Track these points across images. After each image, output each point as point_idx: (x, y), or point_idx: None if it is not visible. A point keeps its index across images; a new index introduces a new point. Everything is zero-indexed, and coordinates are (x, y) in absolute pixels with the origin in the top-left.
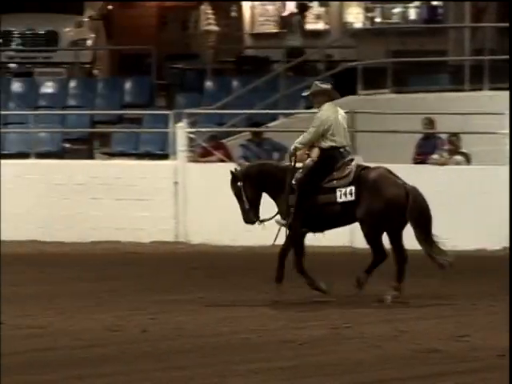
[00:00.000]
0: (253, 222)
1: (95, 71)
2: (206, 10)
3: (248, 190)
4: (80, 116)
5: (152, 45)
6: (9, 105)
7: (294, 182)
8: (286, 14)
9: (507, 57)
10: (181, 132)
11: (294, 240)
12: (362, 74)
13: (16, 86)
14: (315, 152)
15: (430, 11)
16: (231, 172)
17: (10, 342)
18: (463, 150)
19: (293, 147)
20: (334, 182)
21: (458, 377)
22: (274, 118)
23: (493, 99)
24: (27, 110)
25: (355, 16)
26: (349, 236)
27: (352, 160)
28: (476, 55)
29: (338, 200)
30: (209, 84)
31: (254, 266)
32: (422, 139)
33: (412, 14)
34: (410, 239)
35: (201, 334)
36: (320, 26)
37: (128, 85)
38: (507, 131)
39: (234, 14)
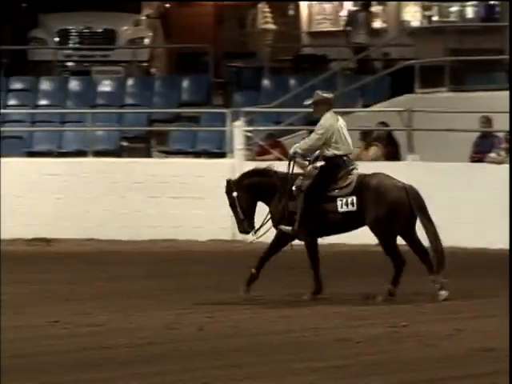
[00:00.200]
0: (247, 232)
1: (153, 69)
2: (264, 8)
3: (243, 200)
4: (137, 114)
5: (209, 43)
6: (66, 103)
7: (294, 188)
8: (350, 11)
9: None
10: (238, 130)
11: (306, 245)
12: (419, 72)
13: (74, 85)
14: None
15: (487, 10)
16: (226, 181)
17: (68, 340)
18: None
19: (292, 151)
20: (336, 191)
21: None
22: None
23: None
24: (85, 109)
25: (413, 14)
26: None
27: (354, 169)
28: None
29: (339, 210)
30: (266, 82)
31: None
32: (479, 138)
33: (469, 12)
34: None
35: (257, 332)
36: (378, 24)
37: (185, 83)
38: None
39: (291, 12)
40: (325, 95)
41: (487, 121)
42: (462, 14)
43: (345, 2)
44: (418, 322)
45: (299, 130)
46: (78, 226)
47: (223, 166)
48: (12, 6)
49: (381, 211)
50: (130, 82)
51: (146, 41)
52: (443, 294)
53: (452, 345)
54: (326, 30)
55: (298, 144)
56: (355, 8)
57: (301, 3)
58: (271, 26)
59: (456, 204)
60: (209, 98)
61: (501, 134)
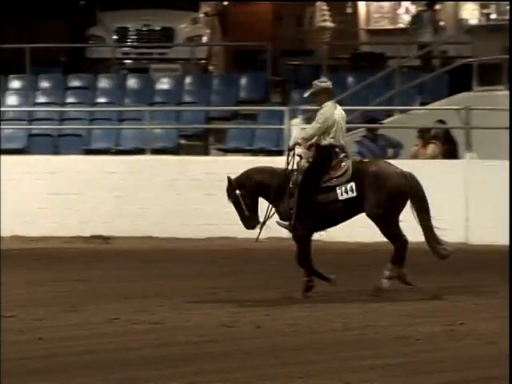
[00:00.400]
0: (254, 227)
1: (210, 67)
2: (322, 6)
3: (246, 197)
4: (195, 112)
5: (267, 41)
6: (125, 101)
7: (291, 185)
8: (416, 10)
9: None
10: (295, 128)
11: (300, 241)
12: (477, 70)
13: (132, 83)
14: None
15: None
16: (228, 180)
17: (127, 338)
18: None
19: (293, 142)
20: (333, 180)
21: None
22: (389, 114)
23: None
24: (143, 107)
25: (471, 12)
26: (463, 232)
27: (345, 157)
28: None
29: (340, 198)
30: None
31: (368, 262)
32: None
33: None
34: None
35: (315, 330)
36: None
37: (243, 81)
38: None
39: (349, 10)
40: (323, 85)
41: None
42: None
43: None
44: (476, 320)
45: (357, 128)
46: (135, 223)
47: (281, 164)
48: (70, 3)
49: (380, 197)
50: (187, 79)
51: (204, 39)
52: (385, 282)
53: None
54: (383, 27)
55: (297, 134)
56: (419, 7)
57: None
58: (329, 24)
59: None
60: (266, 96)
61: None
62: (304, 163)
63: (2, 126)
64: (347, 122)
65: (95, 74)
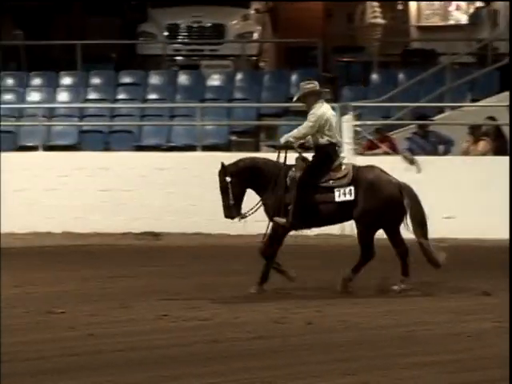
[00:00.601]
0: (233, 218)
1: (261, 64)
2: (372, 2)
3: (235, 186)
4: (246, 109)
5: (318, 37)
6: (176, 97)
7: (288, 179)
8: (475, 7)
9: None
10: (347, 125)
11: (278, 235)
12: None
13: (183, 79)
14: None
15: None
16: (222, 165)
17: (177, 334)
18: None
19: (284, 140)
20: (331, 181)
21: None
22: (440, 110)
23: None
24: (194, 103)
25: None
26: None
27: (343, 159)
28: None
29: (337, 199)
30: (375, 77)
31: (419, 259)
32: None
33: None
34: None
35: (366, 326)
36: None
37: (294, 77)
38: None
39: (399, 6)
40: (309, 86)
41: None
42: None
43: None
44: None
45: (408, 125)
46: (186, 220)
47: None
48: (122, 0)
49: (372, 205)
50: (238, 76)
51: (255, 35)
52: (398, 288)
53: None
54: (434, 24)
55: (289, 133)
56: (478, 4)
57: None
58: (380, 21)
59: None
60: None
61: None
62: (301, 161)
63: (54, 123)
64: (398, 119)
65: (146, 70)
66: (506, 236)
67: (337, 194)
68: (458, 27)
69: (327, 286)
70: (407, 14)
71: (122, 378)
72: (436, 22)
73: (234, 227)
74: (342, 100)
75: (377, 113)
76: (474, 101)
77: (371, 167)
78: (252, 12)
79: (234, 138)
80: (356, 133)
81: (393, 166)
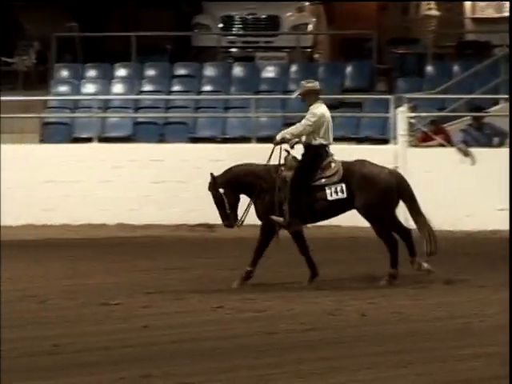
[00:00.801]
0: (232, 226)
1: (316, 56)
2: None
3: (229, 196)
4: (301, 100)
5: (373, 29)
6: (230, 89)
7: (278, 180)
8: None
9: None
10: (401, 116)
11: (295, 236)
12: None
13: (237, 71)
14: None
15: None
16: (212, 177)
17: (232, 326)
18: None
19: (279, 136)
20: (323, 180)
21: None
22: (495, 102)
23: None
24: (248, 95)
25: None
26: None
27: (333, 157)
28: None
29: (329, 198)
30: (429, 68)
31: (472, 251)
32: None
33: None
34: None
35: (420, 318)
36: None
37: (348, 69)
38: None
39: None
40: (310, 85)
41: None
42: None
43: None
44: None
45: (463, 116)
46: (241, 211)
47: (386, 152)
48: None
49: (372, 197)
50: (293, 68)
51: (310, 27)
52: (426, 266)
53: None
54: (489, 16)
55: (285, 130)
56: None
57: None
58: (434, 12)
59: None
60: (372, 84)
61: None
62: (292, 160)
63: (108, 115)
64: (452, 111)
65: (201, 62)
66: None
67: (328, 192)
68: None
69: (380, 277)
70: (462, 6)
71: (176, 369)
72: (491, 13)
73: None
74: (397, 92)
75: (431, 105)
76: None
77: (360, 161)
78: (307, 4)
79: None
80: (410, 125)
81: (447, 158)
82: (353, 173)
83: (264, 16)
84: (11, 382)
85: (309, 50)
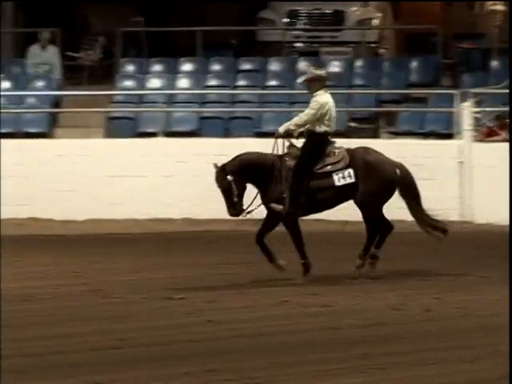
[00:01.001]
0: (238, 215)
1: (381, 51)
2: None
3: (237, 183)
4: (366, 95)
5: (438, 24)
6: (295, 84)
7: (283, 170)
8: None
9: None
10: (466, 111)
11: (292, 225)
12: None
13: (302, 66)
14: None
15: None
16: (221, 167)
17: (297, 320)
18: None
19: (283, 129)
20: (329, 167)
21: None
22: None
23: None
24: None
25: None
26: None
27: (335, 143)
28: None
29: (336, 184)
30: (495, 63)
31: None
32: None
33: None
34: None
35: (485, 313)
36: None
37: (414, 64)
38: None
39: None
40: (317, 72)
41: None
42: None
43: None
44: None
45: None
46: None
47: (451, 147)
48: None
49: (373, 186)
50: (358, 62)
51: (375, 22)
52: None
53: None
54: None
55: (289, 122)
56: None
57: None
58: (500, 7)
59: None
60: (437, 79)
61: None
62: (295, 149)
63: (174, 109)
64: None
65: (266, 57)
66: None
67: (336, 178)
68: None
69: (445, 272)
70: None
71: (241, 364)
72: None
73: (351, 213)
74: (462, 87)
75: (496, 99)
76: None
77: (365, 148)
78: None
79: (353, 124)
80: (475, 120)
81: None
82: (358, 159)
83: (329, 11)
84: (77, 376)
85: (374, 44)
